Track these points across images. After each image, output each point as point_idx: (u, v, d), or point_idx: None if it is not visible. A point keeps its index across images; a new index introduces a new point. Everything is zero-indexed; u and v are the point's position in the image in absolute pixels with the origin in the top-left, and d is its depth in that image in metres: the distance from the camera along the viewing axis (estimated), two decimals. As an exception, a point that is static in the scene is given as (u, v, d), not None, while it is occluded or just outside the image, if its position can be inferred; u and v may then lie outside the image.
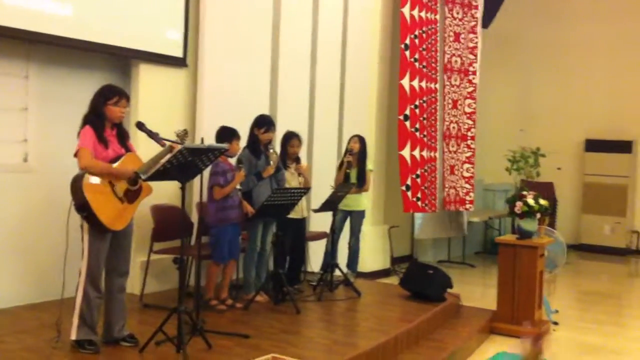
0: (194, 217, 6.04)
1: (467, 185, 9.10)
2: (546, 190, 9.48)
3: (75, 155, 4.25)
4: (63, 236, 4.28)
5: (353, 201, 6.81)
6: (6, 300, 5.21)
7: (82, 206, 4.17)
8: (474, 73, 9.16)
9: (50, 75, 5.49)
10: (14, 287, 5.30)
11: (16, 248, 5.31)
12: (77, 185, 4.18)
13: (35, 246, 5.28)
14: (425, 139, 8.38)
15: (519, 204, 6.29)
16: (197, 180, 5.63)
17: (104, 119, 4.38)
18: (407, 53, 8.15)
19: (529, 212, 6.25)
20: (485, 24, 9.66)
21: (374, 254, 8.43)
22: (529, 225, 6.29)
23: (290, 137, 6.20)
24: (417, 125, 8.24)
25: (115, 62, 6.01)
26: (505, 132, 11.13)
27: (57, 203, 4.21)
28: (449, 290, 6.45)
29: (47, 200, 5.35)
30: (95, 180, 4.21)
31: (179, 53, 6.24)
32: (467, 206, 9.13)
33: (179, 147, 4.27)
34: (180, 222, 4.90)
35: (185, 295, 4.81)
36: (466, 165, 9.12)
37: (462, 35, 9.03)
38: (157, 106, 6.05)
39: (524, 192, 6.41)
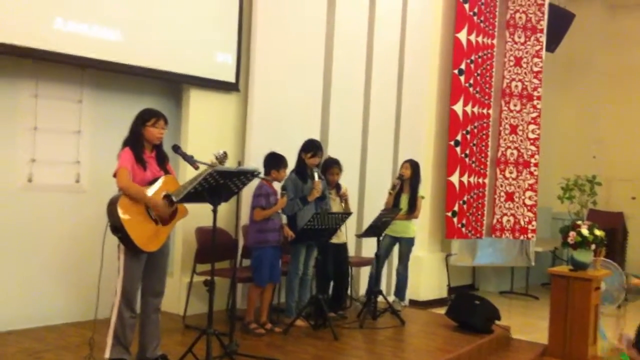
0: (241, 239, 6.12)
1: (530, 214, 8.83)
2: (615, 220, 9.08)
3: (114, 175, 4.40)
4: (111, 255, 4.43)
5: (402, 228, 6.72)
6: (55, 317, 5.42)
7: (117, 227, 4.28)
8: (539, 98, 8.93)
9: (103, 100, 5.72)
10: (63, 304, 5.51)
11: (67, 266, 5.52)
12: (112, 207, 4.30)
13: (84, 265, 5.45)
14: (473, 165, 8.23)
15: (572, 234, 6.06)
16: (246, 203, 5.77)
17: (142, 140, 4.52)
18: (462, 78, 8.05)
19: (582, 243, 5.99)
20: (552, 48, 9.41)
21: (429, 282, 8.28)
22: (582, 256, 6.04)
23: (331, 165, 6.22)
24: (467, 151, 8.10)
25: (167, 87, 6.19)
26: (575, 158, 10.74)
27: (104, 223, 4.36)
28: (497, 322, 6.25)
29: (97, 220, 5.48)
30: (130, 202, 4.34)
31: (230, 78, 6.35)
32: (530, 235, 8.85)
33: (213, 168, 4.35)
34: (220, 244, 4.96)
35: (229, 317, 4.87)
36: (529, 193, 8.87)
37: (525, 60, 8.83)
38: (207, 130, 6.19)
39: (579, 222, 6.16)
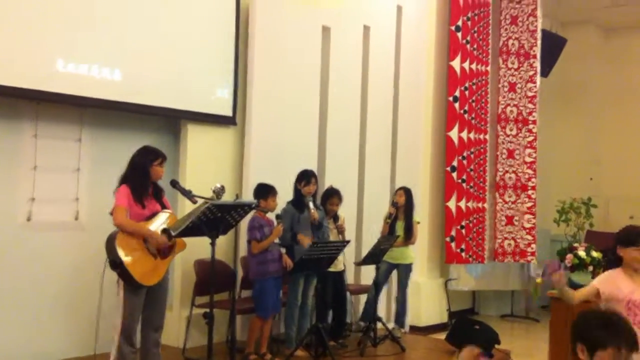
0: (240, 271, 6.18)
1: (529, 237, 8.87)
2: (613, 241, 9.07)
3: (111, 213, 4.49)
4: (110, 291, 4.50)
5: (399, 254, 6.78)
6: (56, 352, 5.45)
7: (116, 263, 4.37)
8: (534, 122, 9.02)
9: (102, 138, 5.82)
10: (64, 340, 5.54)
11: (67, 302, 5.58)
12: (111, 243, 4.40)
13: (84, 301, 5.48)
14: (471, 190, 8.30)
15: (569, 256, 6.11)
16: (244, 234, 5.83)
17: (148, 178, 4.61)
18: (457, 105, 8.16)
19: (580, 265, 6.04)
20: (545, 73, 9.53)
21: (429, 307, 8.29)
22: (580, 278, 6.06)
23: (331, 195, 6.30)
24: (464, 177, 8.19)
25: (165, 123, 6.30)
26: (572, 180, 10.79)
27: (104, 259, 4.44)
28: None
29: (97, 256, 5.55)
30: (128, 237, 4.42)
31: (227, 112, 6.45)
32: (529, 258, 8.89)
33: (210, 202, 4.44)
34: (219, 275, 5.03)
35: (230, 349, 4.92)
36: (527, 216, 8.92)
37: (519, 85, 8.94)
38: (205, 164, 6.28)
39: (575, 244, 6.21)
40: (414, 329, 7.91)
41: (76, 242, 5.63)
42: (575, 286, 6.03)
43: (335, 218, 6.32)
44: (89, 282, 5.56)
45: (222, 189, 4.91)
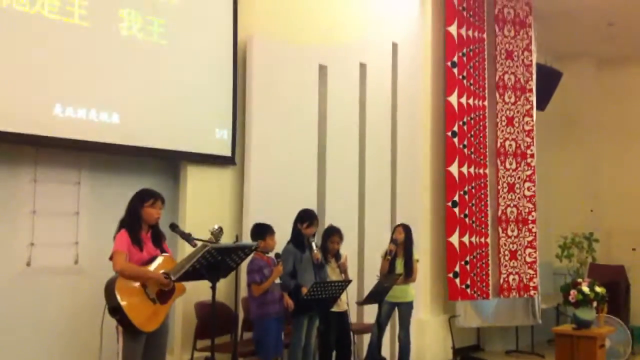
0: (242, 313, 6.12)
1: (530, 271, 8.83)
2: (616, 273, 9.06)
3: (111, 258, 4.45)
4: (110, 336, 4.44)
5: (400, 292, 6.71)
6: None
7: (115, 309, 4.32)
8: (532, 156, 9.05)
9: (100, 181, 5.79)
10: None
11: (67, 347, 5.49)
12: (110, 289, 4.35)
13: (85, 346, 5.40)
14: (474, 225, 8.28)
15: (573, 292, 6.07)
16: (245, 275, 5.78)
17: (140, 221, 4.59)
18: (456, 140, 8.19)
19: (584, 301, 6.00)
20: (542, 107, 9.58)
21: (433, 345, 8.21)
22: (585, 314, 6.05)
23: (332, 234, 6.25)
24: (467, 212, 8.17)
25: (164, 165, 6.28)
26: (572, 213, 10.78)
27: (104, 304, 4.39)
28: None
29: (97, 300, 5.47)
30: (127, 282, 4.37)
31: (227, 152, 6.44)
32: (532, 292, 8.82)
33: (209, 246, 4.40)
34: (220, 318, 4.98)
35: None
36: (528, 250, 8.88)
37: (516, 119, 8.98)
38: (205, 205, 6.25)
39: (579, 280, 6.18)
40: (418, 367, 7.82)
41: (76, 286, 5.57)
42: (580, 322, 6.02)
43: (337, 257, 6.27)
44: (89, 326, 5.47)
45: (220, 230, 4.89)
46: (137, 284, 4.40)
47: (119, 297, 4.29)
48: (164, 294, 4.51)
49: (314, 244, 5.92)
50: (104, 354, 4.56)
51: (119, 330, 4.39)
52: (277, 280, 5.67)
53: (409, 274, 6.76)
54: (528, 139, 9.05)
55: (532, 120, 9.08)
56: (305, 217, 6.00)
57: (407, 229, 6.89)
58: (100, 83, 5.45)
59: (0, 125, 4.85)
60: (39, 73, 5.07)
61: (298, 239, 5.96)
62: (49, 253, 5.46)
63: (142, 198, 4.64)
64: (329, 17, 7.40)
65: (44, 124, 5.09)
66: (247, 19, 6.63)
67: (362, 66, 7.70)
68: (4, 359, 5.11)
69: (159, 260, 4.56)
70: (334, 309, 5.98)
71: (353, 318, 6.84)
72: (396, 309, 6.86)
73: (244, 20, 6.60)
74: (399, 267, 6.75)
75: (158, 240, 4.69)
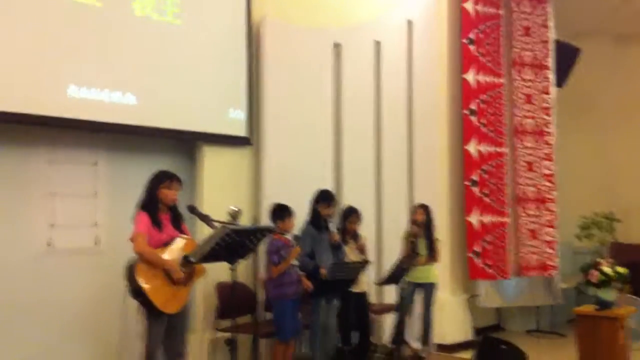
0: (261, 293, 6.11)
1: (550, 250, 8.73)
2: (638, 252, 8.94)
3: (131, 239, 4.43)
4: (131, 316, 4.44)
5: (424, 273, 6.66)
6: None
7: (137, 291, 4.31)
8: (550, 134, 8.91)
9: (118, 161, 5.80)
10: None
11: (89, 327, 5.54)
12: (130, 272, 4.33)
13: (105, 326, 5.44)
14: (493, 204, 8.19)
15: (595, 272, 5.97)
16: (264, 256, 5.75)
17: (157, 202, 4.57)
18: (473, 118, 8.07)
19: (606, 281, 5.90)
20: (561, 84, 9.42)
21: (454, 325, 8.13)
22: (607, 294, 5.93)
23: (350, 214, 6.20)
24: (486, 190, 8.09)
25: (180, 145, 6.26)
26: (593, 191, 10.63)
27: (124, 284, 4.39)
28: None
29: (117, 280, 5.50)
30: (148, 265, 4.35)
31: (242, 132, 6.41)
32: (551, 272, 8.74)
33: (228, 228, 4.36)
34: (240, 298, 4.96)
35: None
36: (548, 229, 8.78)
37: (534, 97, 8.84)
38: (222, 186, 6.23)
39: (600, 260, 6.08)
40: (440, 347, 7.75)
41: (97, 267, 5.60)
42: (602, 303, 5.93)
43: (356, 237, 6.22)
44: (110, 306, 5.51)
45: (239, 211, 4.85)
46: (157, 266, 4.37)
47: (140, 280, 4.27)
48: (184, 275, 4.48)
49: (331, 225, 5.87)
50: (126, 335, 4.55)
51: (141, 311, 4.38)
52: (295, 262, 5.63)
53: (433, 254, 6.71)
54: (546, 117, 8.90)
55: (550, 98, 8.94)
56: (324, 198, 5.94)
57: (427, 210, 6.81)
58: (115, 64, 5.43)
59: (15, 107, 4.84)
60: (52, 54, 5.05)
61: (316, 220, 5.91)
62: (69, 234, 5.49)
63: (158, 179, 4.61)
64: (343, -5, 7.33)
65: (58, 105, 5.08)
66: (260, -1, 6.57)
67: (377, 44, 7.60)
68: (26, 338, 5.15)
69: (180, 242, 4.54)
70: (354, 289, 5.94)
71: (373, 299, 6.80)
72: (419, 290, 6.81)
73: (258, 0, 6.53)
74: (422, 249, 6.69)
75: (177, 221, 4.67)
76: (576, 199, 10.36)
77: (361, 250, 6.20)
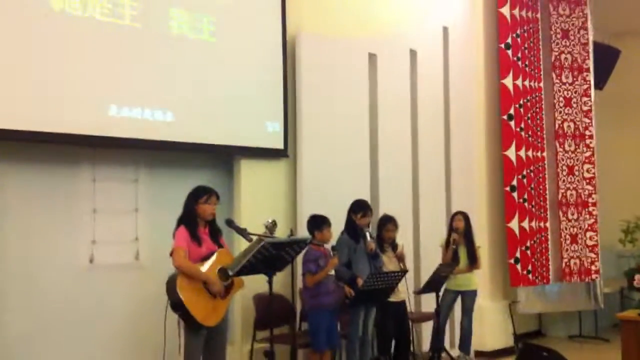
0: (299, 304, 6.17)
1: (592, 255, 8.63)
2: None
3: (171, 254, 4.55)
4: (171, 331, 4.55)
5: (464, 281, 6.68)
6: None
7: (177, 305, 4.42)
8: (591, 137, 8.82)
9: (158, 177, 5.91)
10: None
11: (128, 341, 5.63)
12: (171, 285, 4.45)
13: (145, 339, 5.53)
14: (533, 210, 8.14)
15: (638, 277, 5.89)
16: (300, 267, 5.82)
17: (196, 217, 4.68)
18: (512, 123, 8.04)
19: (650, 286, 5.83)
20: (600, 86, 9.31)
21: (494, 332, 8.10)
22: (651, 299, 5.85)
23: (386, 222, 6.23)
24: (526, 196, 8.04)
25: (218, 160, 6.36)
26: (634, 195, 10.42)
27: (165, 298, 4.50)
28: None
29: (158, 295, 5.62)
30: (188, 279, 4.46)
31: (279, 145, 6.48)
32: (594, 276, 8.63)
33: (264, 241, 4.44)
34: (278, 310, 5.04)
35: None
36: (589, 233, 8.69)
37: (574, 100, 8.76)
38: (259, 199, 6.30)
39: (644, 264, 6.00)
40: (480, 355, 7.75)
41: (138, 282, 5.71)
42: (643, 307, 5.86)
43: (394, 246, 6.25)
44: (152, 320, 5.60)
45: (274, 223, 4.94)
46: (197, 280, 4.47)
47: (180, 293, 4.38)
48: (223, 288, 4.58)
49: (368, 234, 5.91)
50: (167, 348, 4.66)
51: (181, 325, 4.49)
52: (331, 272, 5.68)
53: (473, 261, 6.72)
54: (586, 120, 8.82)
55: (590, 101, 8.84)
56: (359, 207, 5.99)
57: (466, 217, 6.84)
58: (154, 83, 5.55)
59: (58, 128, 4.99)
60: (93, 76, 5.18)
61: (352, 230, 5.96)
62: (111, 250, 5.61)
63: (197, 195, 4.73)
64: (376, 5, 7.35)
65: (100, 124, 5.21)
66: (295, 13, 6.64)
67: (413, 53, 7.61)
68: (70, 354, 5.28)
69: (218, 256, 4.64)
70: (392, 298, 5.98)
71: (411, 307, 6.81)
72: (459, 297, 6.81)
73: (292, 15, 6.61)
74: (462, 256, 6.70)
75: (215, 235, 4.77)
76: (619, 202, 10.18)
77: (400, 259, 6.22)
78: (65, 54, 5.06)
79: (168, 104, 5.62)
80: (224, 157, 6.37)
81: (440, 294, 6.41)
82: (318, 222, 5.65)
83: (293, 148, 6.58)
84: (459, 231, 6.75)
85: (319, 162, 6.54)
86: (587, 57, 8.84)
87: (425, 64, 7.73)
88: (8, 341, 4.94)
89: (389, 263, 6.16)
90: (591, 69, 8.86)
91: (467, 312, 6.85)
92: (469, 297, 6.83)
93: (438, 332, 6.45)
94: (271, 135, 6.40)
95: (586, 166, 8.76)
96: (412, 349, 6.54)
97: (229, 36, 6.08)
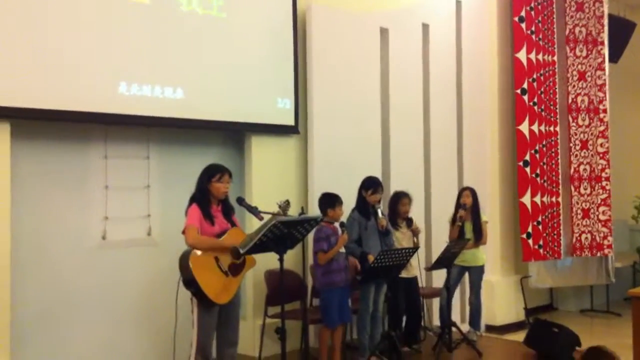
0: (310, 280, 6.21)
1: (604, 229, 8.58)
2: None
3: (183, 232, 4.57)
4: (184, 306, 4.59)
5: (471, 256, 6.66)
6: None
7: (190, 282, 4.45)
8: (605, 111, 8.71)
9: (169, 154, 5.93)
10: (139, 354, 5.70)
11: (141, 317, 5.72)
12: (184, 262, 4.47)
13: (158, 315, 5.62)
14: (545, 184, 8.10)
15: (650, 253, 5.87)
16: (311, 244, 5.84)
17: (209, 195, 4.69)
18: (525, 98, 7.97)
19: (661, 263, 5.80)
20: (614, 59, 9.18)
21: (505, 306, 8.11)
22: (662, 276, 5.83)
23: (401, 196, 6.24)
24: (538, 171, 8.00)
25: (229, 136, 6.37)
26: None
27: (177, 274, 4.54)
28: (578, 348, 6.09)
29: (170, 271, 5.67)
30: (201, 255, 4.48)
31: (290, 121, 6.46)
32: (606, 251, 8.60)
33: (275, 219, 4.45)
34: (289, 286, 5.07)
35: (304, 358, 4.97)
36: (602, 208, 8.62)
37: (588, 73, 8.64)
38: (270, 175, 6.32)
39: (656, 241, 5.97)
40: (490, 329, 7.78)
41: (150, 258, 5.77)
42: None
43: (409, 222, 6.24)
44: (164, 296, 5.66)
45: (288, 203, 4.97)
46: (210, 258, 4.50)
47: (193, 271, 4.40)
48: (235, 266, 4.61)
49: (379, 211, 5.91)
50: (179, 324, 4.71)
51: (194, 301, 4.52)
52: (342, 250, 5.69)
53: (479, 237, 6.70)
54: (600, 94, 8.70)
55: (605, 74, 8.71)
56: (370, 184, 5.97)
57: (473, 193, 6.80)
58: (163, 59, 5.53)
59: (69, 105, 5.01)
60: (103, 53, 5.17)
61: (363, 207, 5.95)
62: (123, 226, 5.66)
63: (210, 173, 4.72)
64: (389, -22, 7.27)
65: (111, 102, 5.22)
66: (306, -13, 6.58)
67: (425, 27, 7.53)
68: (82, 330, 5.36)
69: (231, 234, 4.65)
70: (404, 274, 6.01)
71: (422, 283, 6.83)
72: (466, 273, 6.81)
73: (303, -12, 6.55)
74: (468, 232, 6.68)
75: (228, 213, 4.78)
76: (633, 177, 10.12)
77: (415, 233, 6.22)
78: (75, 33, 5.05)
79: (178, 81, 5.61)
80: (235, 134, 6.37)
81: (451, 270, 6.43)
82: (332, 200, 5.65)
83: (304, 124, 6.56)
84: (467, 207, 6.73)
85: (330, 138, 6.52)
86: (601, 30, 8.69)
87: (438, 38, 7.65)
88: (22, 316, 5.00)
89: (402, 239, 6.17)
90: (606, 42, 8.73)
91: (475, 288, 6.86)
92: (475, 273, 6.83)
93: (447, 307, 6.47)
94: (282, 112, 6.38)
95: (600, 140, 8.66)
96: (422, 324, 6.59)
97: (238, 11, 6.03)
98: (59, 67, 4.95)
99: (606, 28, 8.69)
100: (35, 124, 5.09)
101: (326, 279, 5.55)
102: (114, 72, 5.24)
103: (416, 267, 6.27)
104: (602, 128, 8.69)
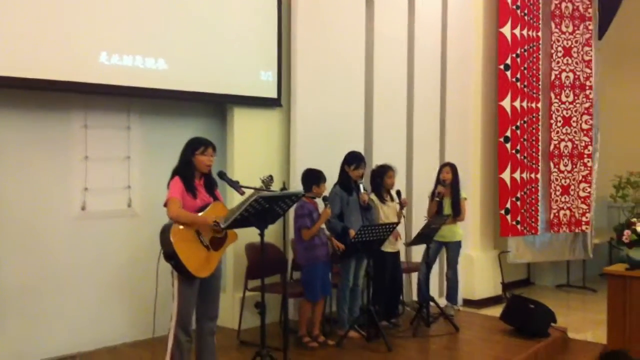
0: (290, 254, 6.22)
1: (584, 206, 8.68)
2: None
3: (165, 205, 4.53)
4: (165, 278, 4.57)
5: (448, 232, 6.68)
6: (112, 338, 5.63)
7: (170, 255, 4.41)
8: (591, 88, 8.75)
9: (150, 125, 5.87)
10: (120, 325, 5.70)
11: (122, 288, 5.72)
12: (165, 236, 4.42)
13: (139, 286, 5.60)
14: (525, 161, 8.15)
15: (627, 232, 5.94)
16: (293, 219, 5.83)
17: (192, 169, 4.64)
18: (508, 73, 7.97)
19: (638, 241, 5.87)
20: (599, 35, 9.18)
21: (483, 281, 8.23)
22: (638, 254, 5.91)
23: (386, 170, 6.23)
24: (518, 147, 8.04)
25: (211, 108, 6.30)
26: (633, 146, 10.38)
27: (158, 245, 4.51)
28: (553, 324, 6.18)
29: (151, 243, 5.63)
30: (182, 229, 4.45)
31: (272, 94, 6.40)
32: (584, 227, 8.71)
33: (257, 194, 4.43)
34: (269, 259, 5.07)
35: (283, 334, 4.99)
36: (582, 185, 8.72)
37: (575, 49, 8.64)
38: (252, 149, 6.28)
39: (634, 220, 6.03)
40: (468, 303, 7.89)
41: (130, 229, 5.75)
42: (633, 263, 5.90)
43: (398, 194, 6.23)
44: (144, 267, 5.66)
45: (271, 178, 4.92)
46: (191, 231, 4.47)
47: (174, 244, 4.36)
48: (217, 241, 4.58)
49: (362, 186, 5.91)
50: (159, 297, 4.70)
51: (174, 275, 4.50)
52: (323, 225, 5.70)
53: (458, 213, 6.72)
54: (587, 70, 8.74)
55: (592, 50, 8.73)
56: (353, 160, 5.96)
57: (454, 169, 6.79)
58: (145, 30, 5.44)
59: (49, 75, 4.92)
60: (83, 22, 5.07)
61: (345, 182, 5.94)
62: (103, 197, 5.62)
63: (194, 146, 4.66)
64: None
65: (91, 71, 5.13)
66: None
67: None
68: (63, 301, 5.35)
69: (213, 208, 4.61)
70: (388, 249, 6.04)
71: (402, 257, 6.88)
72: (444, 248, 6.86)
73: (288, -41, 6.45)
74: (447, 208, 6.71)
75: (210, 187, 4.73)
76: (616, 154, 10.13)
77: (403, 206, 6.22)
78: (56, 2, 4.94)
79: (160, 52, 5.52)
80: (217, 106, 6.31)
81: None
82: (317, 176, 5.64)
83: (287, 98, 6.51)
84: (446, 183, 6.73)
85: (313, 112, 6.48)
86: (589, 6, 8.69)
87: (424, 10, 7.59)
88: (2, 288, 4.97)
89: (389, 213, 6.18)
90: (594, 18, 8.72)
91: (452, 263, 6.89)
92: (452, 249, 6.86)
93: (425, 282, 6.53)
94: (265, 84, 6.32)
95: (585, 117, 8.72)
96: (401, 298, 6.64)
97: (223, -19, 5.93)
98: (39, 36, 4.85)
99: (595, 3, 8.68)
100: (15, 93, 5.00)
101: (309, 253, 5.57)
102: (95, 42, 5.15)
103: (400, 242, 6.30)
104: (587, 105, 8.74)
